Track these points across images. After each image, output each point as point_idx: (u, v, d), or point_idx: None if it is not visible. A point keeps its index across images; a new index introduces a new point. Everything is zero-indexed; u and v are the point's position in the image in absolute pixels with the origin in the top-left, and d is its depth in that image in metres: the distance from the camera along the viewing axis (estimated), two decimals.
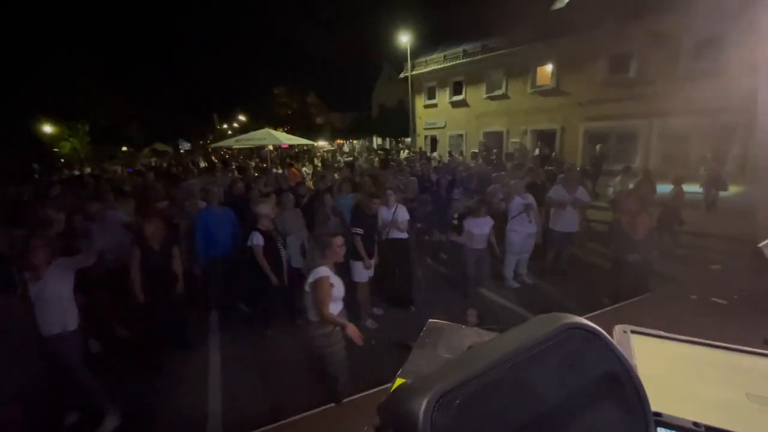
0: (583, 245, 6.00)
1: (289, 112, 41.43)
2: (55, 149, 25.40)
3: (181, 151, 33.83)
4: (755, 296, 2.26)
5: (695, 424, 0.53)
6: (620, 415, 0.49)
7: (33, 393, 3.22)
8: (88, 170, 15.37)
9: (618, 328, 0.70)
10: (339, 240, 2.93)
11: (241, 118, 42.73)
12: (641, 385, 0.50)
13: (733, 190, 8.58)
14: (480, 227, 4.79)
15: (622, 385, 0.50)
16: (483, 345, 0.49)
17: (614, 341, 0.55)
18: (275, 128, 19.16)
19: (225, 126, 44.37)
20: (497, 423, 0.42)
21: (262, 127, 12.57)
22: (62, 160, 23.43)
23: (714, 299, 2.85)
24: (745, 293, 2.79)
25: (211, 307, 4.96)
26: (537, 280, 5.58)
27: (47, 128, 25.07)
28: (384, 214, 4.74)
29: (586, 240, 5.90)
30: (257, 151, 18.22)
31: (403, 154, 19.34)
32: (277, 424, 2.12)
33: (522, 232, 5.22)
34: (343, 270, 4.66)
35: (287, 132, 20.05)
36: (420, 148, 20.36)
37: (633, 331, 0.71)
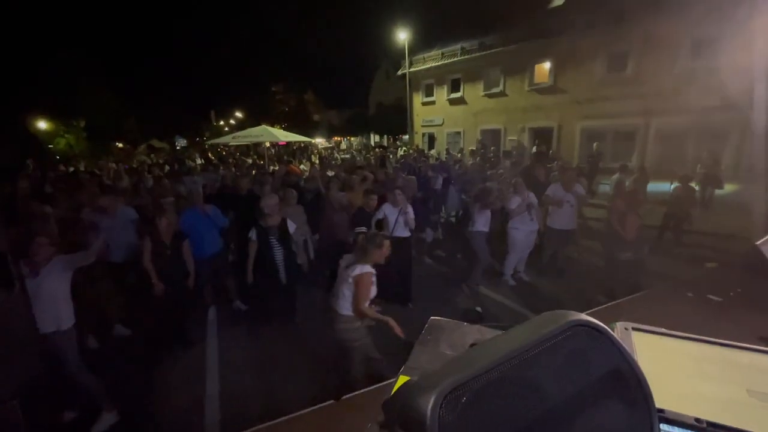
0: (577, 243, 6.03)
1: (287, 109, 41.30)
2: (50, 145, 25.19)
3: (177, 147, 33.63)
4: (751, 294, 2.28)
5: (697, 420, 0.54)
6: (625, 412, 0.49)
7: (30, 390, 3.20)
8: (82, 167, 15.24)
9: (619, 326, 0.70)
10: (388, 243, 3.03)
11: (239, 115, 42.54)
12: (645, 382, 0.51)
13: (728, 188, 8.64)
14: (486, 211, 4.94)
15: (627, 381, 0.50)
16: (488, 342, 0.49)
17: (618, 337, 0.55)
18: (273, 125, 19.07)
19: (222, 123, 44.14)
20: (504, 420, 0.42)
21: (260, 124, 12.48)
22: (57, 156, 23.23)
23: (710, 296, 2.87)
24: (740, 291, 2.81)
25: (208, 305, 4.96)
26: (534, 277, 5.60)
27: (42, 124, 24.85)
28: (389, 212, 4.75)
29: (578, 238, 5.92)
30: (254, 148, 18.16)
31: (401, 151, 19.34)
32: (277, 421, 2.12)
33: (524, 230, 5.24)
34: None
35: (285, 129, 19.96)
36: (417, 146, 20.37)
37: (634, 329, 0.72)
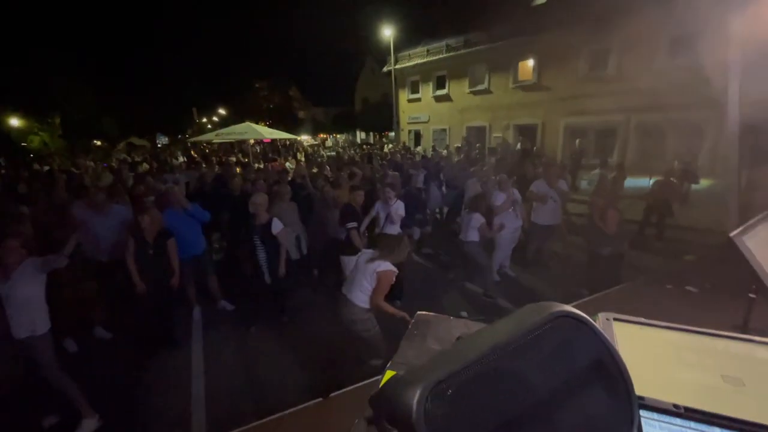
0: (564, 238, 6.14)
1: (271, 106, 40.74)
2: (23, 143, 24.28)
3: (159, 145, 32.83)
4: (725, 284, 2.36)
5: (675, 406, 0.55)
6: (607, 400, 0.50)
7: (7, 395, 3.10)
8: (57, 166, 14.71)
9: (601, 316, 0.72)
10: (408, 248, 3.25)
11: (222, 111, 41.76)
12: (626, 371, 0.52)
13: (704, 183, 8.92)
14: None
15: (609, 370, 0.51)
16: (474, 335, 0.50)
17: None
18: (257, 122, 18.78)
19: (204, 120, 43.26)
20: (490, 412, 0.42)
21: (244, 121, 12.26)
22: (31, 155, 22.41)
23: (688, 288, 2.97)
24: (715, 282, 2.91)
25: (193, 305, 4.88)
26: (519, 272, 5.69)
27: (14, 121, 23.92)
28: (380, 209, 4.78)
29: (566, 233, 6.03)
30: (238, 146, 17.87)
31: (387, 148, 19.33)
32: (266, 420, 2.11)
33: (509, 227, 5.30)
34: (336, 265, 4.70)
35: (269, 126, 19.70)
36: (404, 143, 20.41)
37: (615, 319, 0.73)
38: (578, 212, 7.82)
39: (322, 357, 3.78)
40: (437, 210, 8.01)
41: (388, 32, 19.44)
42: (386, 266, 2.96)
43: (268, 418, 2.07)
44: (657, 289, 3.00)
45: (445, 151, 12.91)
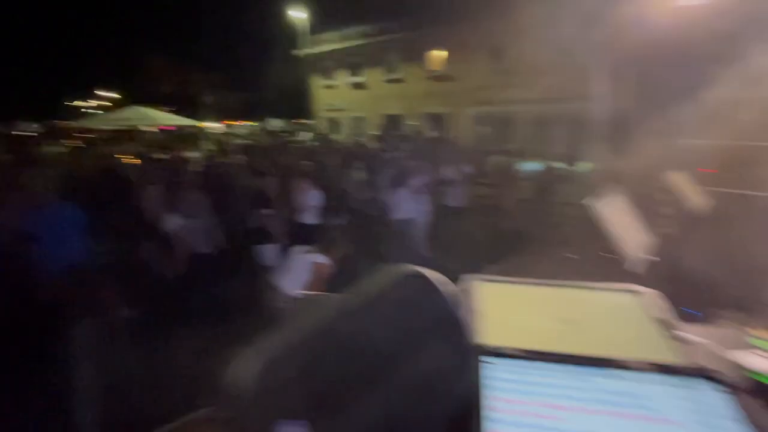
0: (472, 218, 6.64)
1: (170, 89, 36.50)
2: None
3: (27, 133, 27.29)
4: (594, 249, 2.78)
5: (518, 350, 0.61)
6: (450, 353, 0.54)
7: None
8: None
9: (466, 277, 0.77)
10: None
11: (109, 94, 36.22)
12: (469, 324, 0.56)
13: (582, 165, 10.35)
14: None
15: (452, 325, 0.55)
16: (321, 305, 0.49)
17: (460, 288, 0.61)
18: (155, 107, 16.66)
19: (82, 103, 37.06)
20: (331, 377, 0.42)
21: (136, 106, 10.74)
22: None
23: (567, 255, 3.44)
24: (587, 249, 3.41)
25: (81, 317, 4.23)
26: (431, 252, 6.02)
27: None
28: (295, 197, 4.73)
29: (473, 213, 6.54)
30: (129, 134, 15.72)
31: (307, 136, 18.76)
32: (174, 423, 1.93)
33: (423, 210, 5.56)
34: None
35: (170, 112, 17.64)
36: (321, 131, 20.02)
37: (480, 279, 0.79)
38: (482, 194, 8.51)
39: (236, 354, 3.58)
40: (354, 198, 8.05)
41: (302, 15, 18.65)
42: (323, 259, 3.01)
43: (174, 423, 1.91)
44: (543, 256, 3.42)
45: (362, 139, 12.99)
